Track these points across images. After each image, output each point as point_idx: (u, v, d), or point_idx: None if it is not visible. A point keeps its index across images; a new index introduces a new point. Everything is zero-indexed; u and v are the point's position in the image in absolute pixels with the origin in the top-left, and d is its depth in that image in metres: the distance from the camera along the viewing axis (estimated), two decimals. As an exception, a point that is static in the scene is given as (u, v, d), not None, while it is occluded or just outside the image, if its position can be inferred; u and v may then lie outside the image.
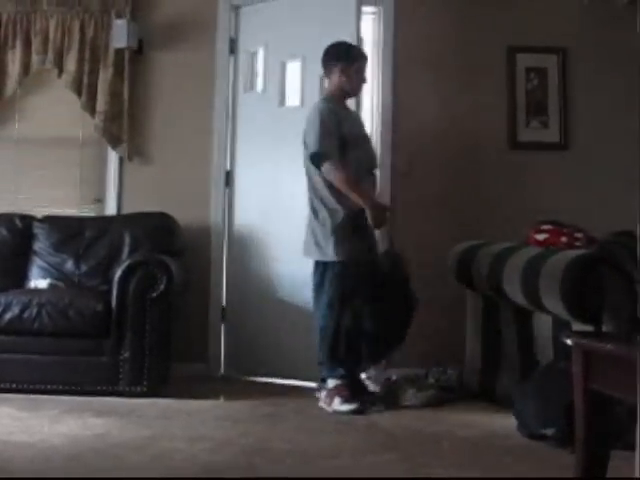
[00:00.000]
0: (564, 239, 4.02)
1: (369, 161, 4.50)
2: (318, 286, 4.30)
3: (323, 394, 4.23)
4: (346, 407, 4.08)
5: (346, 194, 4.22)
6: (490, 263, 4.18)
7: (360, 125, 4.58)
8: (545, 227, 4.17)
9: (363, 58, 4.54)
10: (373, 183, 4.52)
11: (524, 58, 5.30)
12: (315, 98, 4.93)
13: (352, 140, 4.34)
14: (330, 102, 4.42)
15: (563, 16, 5.29)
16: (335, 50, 4.48)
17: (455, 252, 4.65)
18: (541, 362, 3.95)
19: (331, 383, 4.21)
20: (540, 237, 4.13)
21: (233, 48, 5.30)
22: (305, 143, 4.35)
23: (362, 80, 4.54)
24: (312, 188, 4.36)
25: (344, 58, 4.44)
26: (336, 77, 4.45)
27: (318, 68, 4.79)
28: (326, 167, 4.23)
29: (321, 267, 4.29)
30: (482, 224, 5.04)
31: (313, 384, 4.47)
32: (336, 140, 4.26)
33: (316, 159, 4.27)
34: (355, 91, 4.58)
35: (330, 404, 4.14)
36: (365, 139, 4.54)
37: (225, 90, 5.27)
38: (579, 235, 4.02)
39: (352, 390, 4.19)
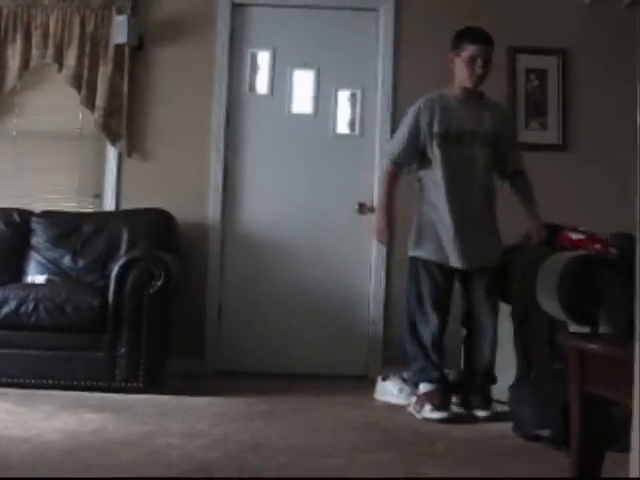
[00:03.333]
0: (597, 246, 3.97)
1: (461, 159, 4.10)
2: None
3: (413, 399, 4.10)
4: (437, 415, 3.89)
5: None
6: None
7: (461, 121, 4.11)
8: (583, 229, 4.12)
9: (474, 44, 4.06)
10: (470, 180, 4.11)
11: (524, 59, 5.31)
12: (330, 108, 5.30)
13: (440, 137, 4.09)
14: (438, 94, 4.19)
15: (564, 17, 5.29)
16: (454, 35, 4.18)
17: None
18: (537, 363, 3.95)
19: (423, 388, 4.06)
20: (575, 237, 4.09)
21: (233, 46, 5.31)
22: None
23: (473, 70, 4.06)
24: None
25: (452, 44, 4.14)
26: (451, 65, 4.16)
27: (333, 79, 5.23)
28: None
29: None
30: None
31: (308, 380, 4.47)
32: (408, 140, 4.14)
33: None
34: (467, 82, 4.10)
35: (420, 411, 3.97)
36: (463, 136, 4.10)
37: (224, 88, 5.27)
38: (612, 250, 3.96)
39: (444, 396, 4.02)
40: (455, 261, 4.06)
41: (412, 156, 4.18)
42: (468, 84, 4.10)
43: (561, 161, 5.24)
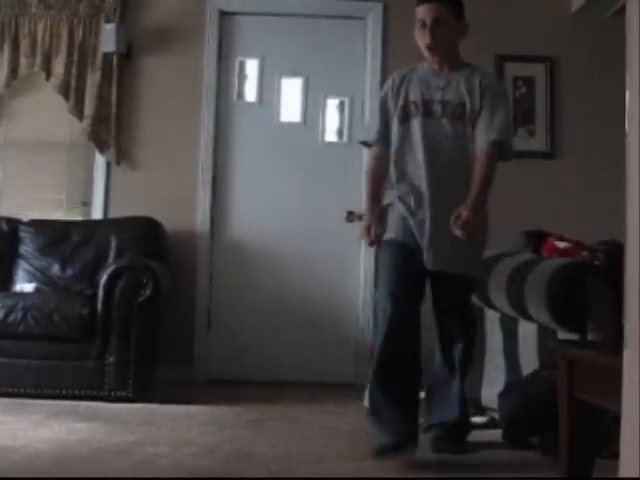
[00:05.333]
0: (585, 254, 3.96)
1: (428, 135, 3.33)
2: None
3: None
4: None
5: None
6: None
7: (432, 90, 3.37)
8: (569, 237, 4.12)
9: (418, 5, 3.33)
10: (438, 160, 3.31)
11: (512, 67, 5.33)
12: (318, 116, 5.31)
13: (403, 111, 3.39)
14: (411, 67, 3.50)
15: (551, 26, 5.32)
16: None
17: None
18: (526, 370, 3.95)
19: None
20: (561, 245, 4.09)
21: (221, 54, 5.31)
22: None
23: (422, 36, 3.33)
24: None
25: None
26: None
27: (322, 87, 5.25)
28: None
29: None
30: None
31: (297, 388, 4.47)
32: (381, 118, 3.45)
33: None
34: (425, 53, 3.39)
35: None
36: (431, 110, 3.35)
37: (213, 96, 5.27)
38: (600, 255, 3.97)
39: None
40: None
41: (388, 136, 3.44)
42: (426, 55, 3.40)
43: (549, 168, 5.26)
